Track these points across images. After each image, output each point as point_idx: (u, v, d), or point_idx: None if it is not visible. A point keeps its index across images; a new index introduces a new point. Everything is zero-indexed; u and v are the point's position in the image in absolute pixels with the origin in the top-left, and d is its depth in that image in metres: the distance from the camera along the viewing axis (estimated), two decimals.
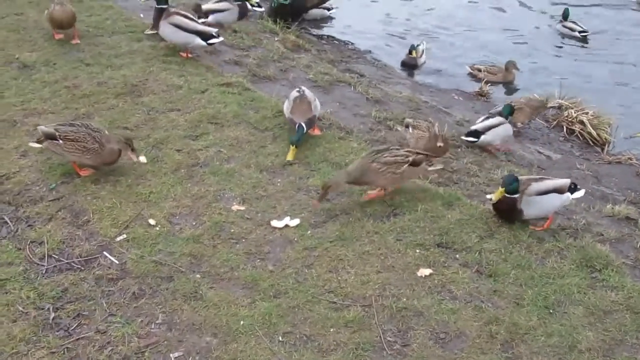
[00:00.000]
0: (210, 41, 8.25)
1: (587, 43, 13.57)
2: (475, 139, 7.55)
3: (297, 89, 6.97)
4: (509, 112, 8.03)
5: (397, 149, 5.89)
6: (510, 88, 11.32)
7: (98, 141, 5.75)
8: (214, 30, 8.36)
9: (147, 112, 6.99)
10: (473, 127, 7.69)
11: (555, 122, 9.46)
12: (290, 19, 12.23)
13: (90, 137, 5.74)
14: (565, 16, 13.99)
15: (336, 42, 12.63)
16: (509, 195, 5.35)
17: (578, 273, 5.04)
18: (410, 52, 11.66)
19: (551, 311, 4.67)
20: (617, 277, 5.03)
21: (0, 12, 9.25)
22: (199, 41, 8.18)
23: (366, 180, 5.72)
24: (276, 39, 10.53)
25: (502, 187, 5.34)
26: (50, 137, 5.76)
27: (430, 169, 6.01)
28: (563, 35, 13.88)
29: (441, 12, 14.47)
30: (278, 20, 11.81)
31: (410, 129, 6.77)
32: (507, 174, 5.68)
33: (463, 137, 7.65)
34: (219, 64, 8.52)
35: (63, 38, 8.47)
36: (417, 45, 11.82)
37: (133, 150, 5.87)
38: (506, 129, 7.78)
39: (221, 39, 8.46)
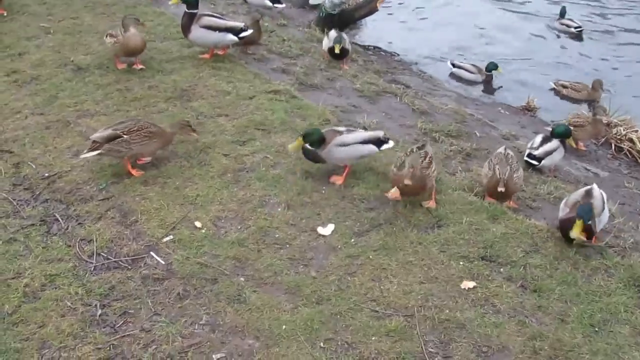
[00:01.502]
0: (241, 35, 8.33)
1: (582, 40, 13.99)
2: (537, 163, 7.49)
3: (348, 128, 6.32)
4: (561, 134, 7.71)
5: (412, 150, 5.85)
6: (565, 106, 10.85)
7: (156, 125, 6.05)
8: (242, 24, 8.44)
9: (196, 117, 7.08)
10: (535, 152, 7.58)
11: (603, 139, 9.30)
12: (337, 29, 12.26)
13: (149, 123, 5.99)
14: (562, 14, 14.43)
15: (382, 53, 12.64)
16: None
17: (625, 292, 4.93)
18: (489, 70, 11.71)
19: (597, 329, 4.57)
20: None
21: (57, 16, 9.48)
22: (231, 37, 8.28)
23: (414, 189, 5.63)
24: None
25: (579, 220, 5.16)
26: (112, 138, 5.85)
27: None
28: (559, 33, 14.29)
29: (481, 32, 14.35)
30: (326, 29, 11.86)
31: (487, 165, 6.20)
32: (582, 206, 5.33)
33: (525, 158, 7.56)
34: (266, 72, 8.59)
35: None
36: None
37: (193, 130, 6.27)
38: (560, 152, 7.66)
39: (251, 31, 8.52)
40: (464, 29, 14.31)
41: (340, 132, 6.08)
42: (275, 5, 11.77)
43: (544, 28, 14.60)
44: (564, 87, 11.27)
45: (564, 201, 5.73)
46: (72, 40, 8.73)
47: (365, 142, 6.09)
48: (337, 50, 9.36)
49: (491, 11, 15.46)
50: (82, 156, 5.99)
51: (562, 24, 14.33)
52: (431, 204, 5.86)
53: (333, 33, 9.80)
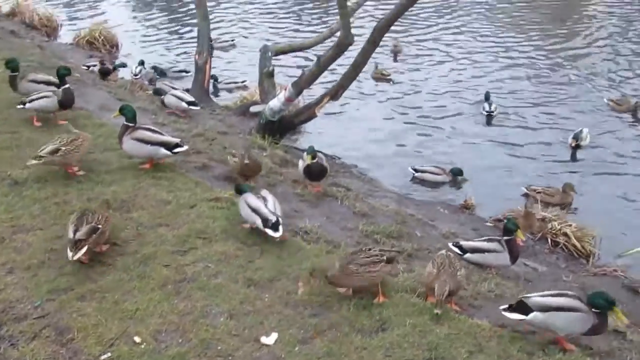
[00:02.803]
0: (175, 150, 8.29)
1: (490, 124, 15.27)
2: (461, 253, 7.55)
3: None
4: (512, 229, 7.35)
5: (370, 249, 6.05)
6: (501, 203, 11.00)
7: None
8: (177, 140, 8.44)
9: (136, 228, 6.95)
10: (461, 242, 7.70)
11: (540, 235, 9.53)
12: (278, 135, 12.50)
13: (98, 212, 6.45)
14: (486, 97, 15.77)
15: (323, 156, 12.82)
16: None
17: None
18: (455, 174, 12.31)
19: None
20: None
21: None
22: (164, 151, 8.24)
23: (344, 283, 5.88)
24: (264, 154, 10.67)
25: (615, 307, 5.47)
26: (93, 232, 6.16)
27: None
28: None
29: (413, 133, 14.84)
30: (266, 135, 12.07)
31: (431, 264, 6.18)
32: (598, 294, 5.59)
33: (450, 244, 7.65)
34: (208, 179, 8.56)
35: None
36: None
37: (109, 206, 6.87)
38: (499, 258, 7.41)
39: (186, 147, 8.48)
40: (399, 133, 14.74)
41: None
42: (191, 107, 12.11)
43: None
44: (537, 192, 11.34)
45: (568, 313, 5.49)
46: (10, 154, 8.57)
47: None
48: (308, 161, 8.63)
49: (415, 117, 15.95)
50: (75, 257, 6.01)
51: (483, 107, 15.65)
52: (381, 299, 5.96)
53: (306, 155, 8.94)
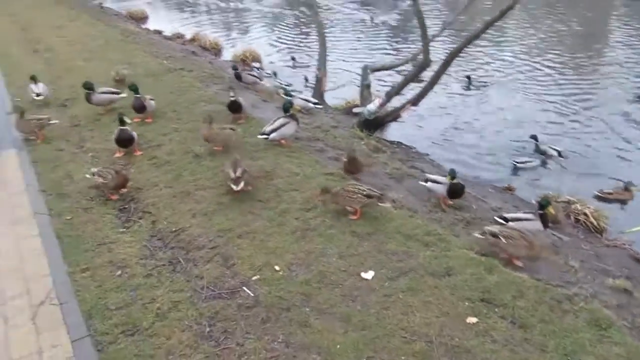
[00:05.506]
0: None
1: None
2: (504, 222, 6.94)
3: None
4: (544, 204, 6.87)
5: (356, 185, 6.42)
6: (532, 189, 10.39)
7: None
8: None
9: (276, 191, 7.12)
10: (506, 215, 7.24)
11: (565, 213, 9.05)
12: (372, 129, 12.41)
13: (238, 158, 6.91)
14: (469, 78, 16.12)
15: (403, 146, 12.61)
16: None
17: (589, 330, 4.69)
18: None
19: (569, 358, 4.35)
20: (619, 335, 4.66)
21: (183, 120, 9.76)
22: None
23: (337, 201, 6.38)
24: (362, 142, 10.62)
25: None
26: (245, 172, 6.69)
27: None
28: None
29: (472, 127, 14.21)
30: (363, 130, 12.02)
31: (503, 239, 5.81)
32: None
33: (495, 217, 7.20)
34: (324, 159, 8.58)
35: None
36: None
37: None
38: (533, 225, 6.76)
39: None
40: (460, 128, 14.18)
41: None
42: (316, 106, 12.07)
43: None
44: (610, 194, 10.25)
45: None
46: (193, 136, 8.94)
47: None
48: (449, 180, 7.31)
49: (474, 113, 15.20)
50: (237, 188, 6.54)
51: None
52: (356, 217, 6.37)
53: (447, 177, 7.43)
